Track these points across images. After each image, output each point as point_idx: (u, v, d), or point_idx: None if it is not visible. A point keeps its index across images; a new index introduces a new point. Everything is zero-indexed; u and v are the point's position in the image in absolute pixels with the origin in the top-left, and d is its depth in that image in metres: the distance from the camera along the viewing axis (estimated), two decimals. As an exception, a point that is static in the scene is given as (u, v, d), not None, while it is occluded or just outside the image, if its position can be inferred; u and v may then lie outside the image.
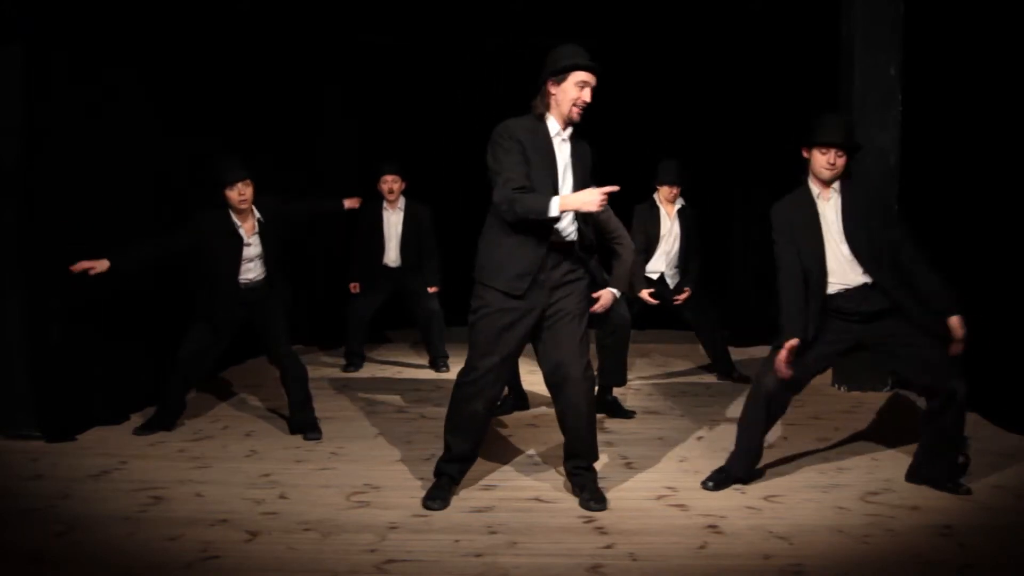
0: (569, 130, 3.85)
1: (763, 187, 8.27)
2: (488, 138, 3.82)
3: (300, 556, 3.28)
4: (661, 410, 5.63)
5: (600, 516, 3.70)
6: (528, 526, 3.59)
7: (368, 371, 6.89)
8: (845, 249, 3.99)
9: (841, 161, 3.95)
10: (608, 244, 5.05)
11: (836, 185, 4.03)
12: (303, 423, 4.92)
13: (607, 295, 4.94)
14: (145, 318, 5.43)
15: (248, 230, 4.87)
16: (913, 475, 4.10)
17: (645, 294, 6.12)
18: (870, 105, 5.92)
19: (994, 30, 5.26)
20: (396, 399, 5.92)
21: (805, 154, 4.05)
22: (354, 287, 6.97)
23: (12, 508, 3.71)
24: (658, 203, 6.48)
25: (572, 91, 3.73)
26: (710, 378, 6.62)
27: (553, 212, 3.57)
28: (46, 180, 4.69)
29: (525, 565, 3.22)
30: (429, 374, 6.77)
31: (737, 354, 6.81)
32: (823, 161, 3.96)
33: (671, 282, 6.41)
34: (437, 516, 3.71)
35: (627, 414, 5.41)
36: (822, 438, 4.88)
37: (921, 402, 5.79)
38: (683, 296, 6.29)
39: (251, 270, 4.92)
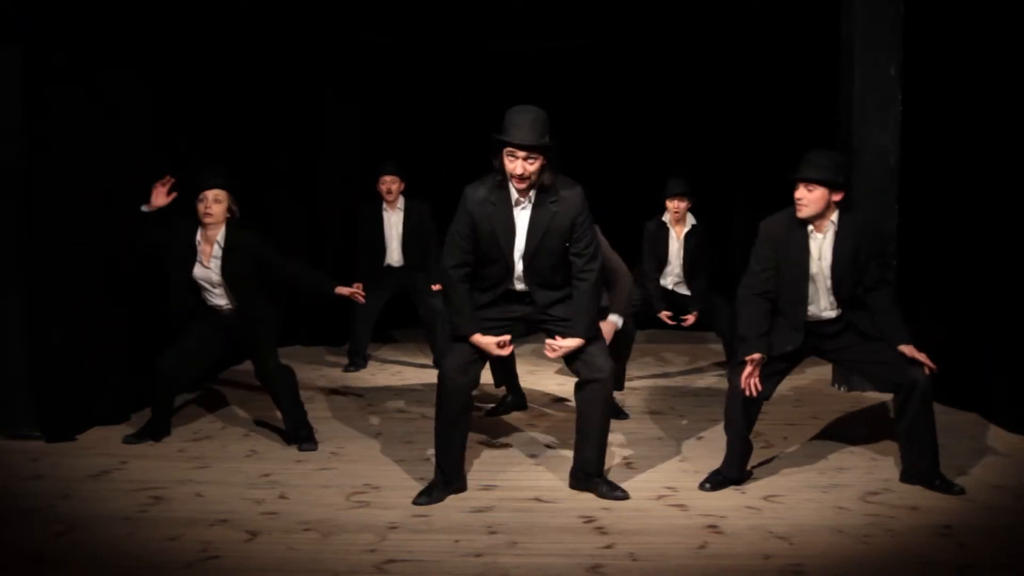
0: (530, 195, 3.85)
1: (763, 187, 8.28)
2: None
3: (300, 556, 3.28)
4: (661, 410, 5.63)
5: (600, 516, 3.70)
6: (528, 526, 3.59)
7: (368, 371, 6.89)
8: (829, 283, 4.08)
9: (811, 196, 3.95)
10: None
11: (833, 217, 4.04)
12: (298, 439, 4.75)
13: (608, 325, 4.89)
14: (145, 318, 5.42)
15: (206, 253, 4.67)
16: (904, 476, 4.12)
17: (664, 316, 6.23)
18: (870, 105, 5.92)
19: (994, 30, 5.26)
20: (396, 399, 5.92)
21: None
22: (358, 287, 6.94)
23: (12, 508, 3.72)
24: (668, 224, 6.48)
25: (507, 164, 3.75)
26: (710, 378, 6.62)
27: (462, 337, 3.88)
28: (46, 180, 4.69)
29: (525, 565, 3.22)
30: (429, 374, 6.76)
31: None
32: (795, 196, 4.01)
33: (676, 289, 6.50)
34: (437, 516, 3.71)
35: (622, 415, 5.39)
36: (822, 438, 4.88)
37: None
38: (690, 318, 6.33)
39: (217, 296, 4.74)
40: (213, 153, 6.34)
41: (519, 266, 3.90)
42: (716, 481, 4.08)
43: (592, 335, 3.90)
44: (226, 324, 4.81)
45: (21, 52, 4.55)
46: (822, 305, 4.12)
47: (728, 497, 3.95)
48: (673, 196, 6.41)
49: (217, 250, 4.68)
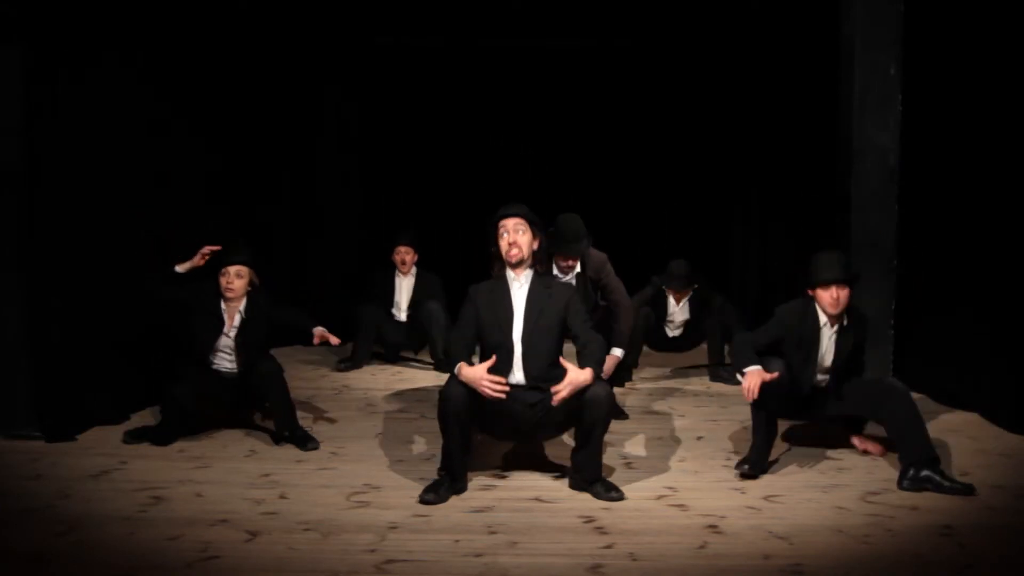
0: (526, 274, 4.15)
1: (762, 187, 8.29)
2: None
3: (300, 556, 3.28)
4: (661, 410, 5.63)
5: (600, 516, 3.70)
6: (528, 526, 3.59)
7: (368, 371, 6.89)
8: (827, 366, 4.42)
9: (844, 294, 4.27)
10: (608, 306, 5.19)
11: (846, 313, 4.37)
12: (296, 439, 4.75)
13: (611, 359, 4.96)
14: (146, 318, 5.42)
15: (230, 322, 4.87)
16: (900, 479, 4.09)
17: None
18: (870, 105, 5.92)
19: (994, 30, 5.26)
20: (396, 399, 5.93)
21: (810, 292, 4.36)
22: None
23: (12, 508, 3.71)
24: (667, 294, 6.74)
25: (501, 244, 4.11)
26: (710, 379, 6.63)
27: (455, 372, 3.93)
28: (46, 180, 4.69)
29: (525, 565, 3.22)
30: (429, 374, 6.77)
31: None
32: (827, 298, 4.28)
33: (675, 336, 6.84)
34: (437, 516, 3.71)
35: (622, 415, 5.39)
36: (822, 438, 4.88)
37: (921, 402, 5.83)
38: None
39: (227, 362, 4.90)
40: (213, 152, 6.35)
41: (518, 349, 4.06)
42: (754, 465, 4.21)
43: (598, 377, 3.93)
44: (232, 384, 4.90)
45: (21, 52, 4.55)
46: (817, 378, 4.46)
47: (728, 497, 3.95)
48: (676, 290, 6.66)
49: (239, 319, 4.87)
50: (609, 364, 4.92)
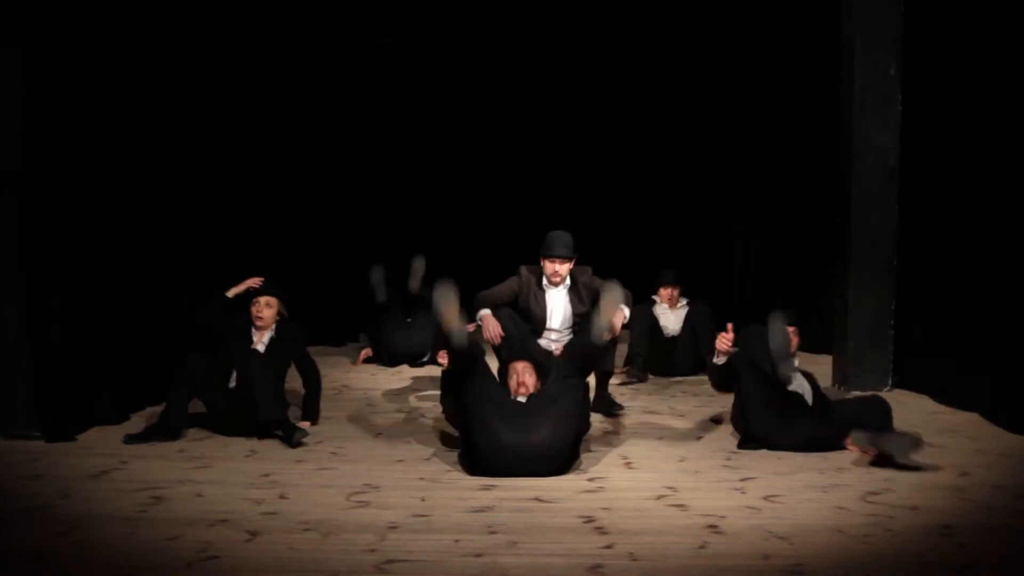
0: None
1: (762, 187, 8.29)
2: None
3: (300, 556, 3.28)
4: (661, 410, 5.63)
5: (600, 516, 3.70)
6: (528, 526, 3.58)
7: (368, 371, 6.89)
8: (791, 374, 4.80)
9: (796, 340, 4.90)
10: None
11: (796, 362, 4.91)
12: (284, 433, 4.73)
13: (618, 314, 5.01)
14: (146, 318, 5.43)
15: (258, 339, 5.13)
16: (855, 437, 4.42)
17: None
18: (870, 105, 5.93)
19: (994, 30, 5.26)
20: (396, 399, 5.92)
21: None
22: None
23: (12, 508, 3.71)
24: (659, 301, 6.83)
25: (510, 381, 4.59)
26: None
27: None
28: (46, 180, 4.68)
29: (525, 565, 3.21)
30: (429, 374, 6.77)
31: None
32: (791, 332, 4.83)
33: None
34: (437, 516, 3.71)
35: (616, 408, 5.41)
36: (822, 438, 4.88)
37: (921, 402, 5.81)
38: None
39: None
40: (213, 151, 6.35)
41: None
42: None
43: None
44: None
45: (21, 52, 4.55)
46: (790, 378, 4.76)
47: (728, 497, 3.95)
48: (666, 284, 6.80)
49: (268, 339, 5.14)
50: (617, 318, 5.07)
